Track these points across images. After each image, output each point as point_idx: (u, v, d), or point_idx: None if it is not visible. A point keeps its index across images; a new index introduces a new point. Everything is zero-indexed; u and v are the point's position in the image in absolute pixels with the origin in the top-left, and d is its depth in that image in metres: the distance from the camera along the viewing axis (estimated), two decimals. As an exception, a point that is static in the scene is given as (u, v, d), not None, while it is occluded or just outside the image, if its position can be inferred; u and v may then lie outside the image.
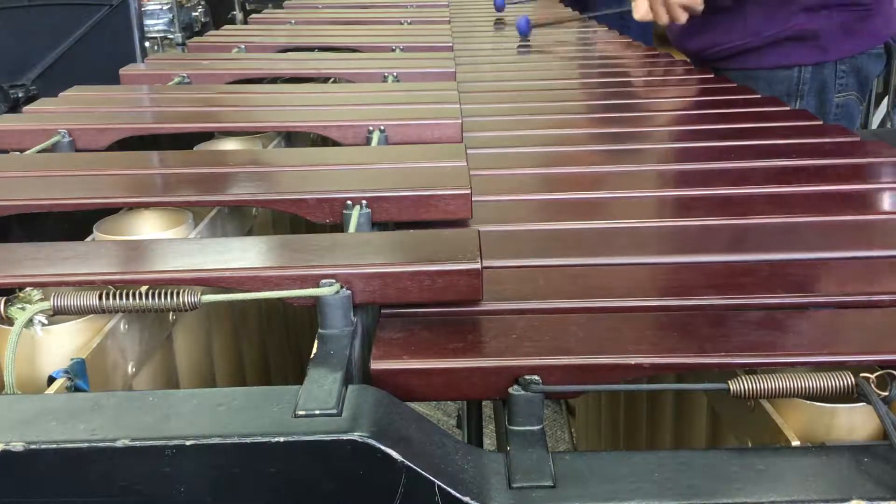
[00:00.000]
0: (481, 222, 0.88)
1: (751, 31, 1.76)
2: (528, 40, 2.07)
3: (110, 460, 0.50)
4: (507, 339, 0.65)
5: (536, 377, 0.60)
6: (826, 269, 0.79)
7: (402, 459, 0.50)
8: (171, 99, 1.36)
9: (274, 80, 1.62)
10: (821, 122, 1.31)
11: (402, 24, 2.19)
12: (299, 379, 0.57)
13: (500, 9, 2.51)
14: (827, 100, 1.77)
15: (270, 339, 1.11)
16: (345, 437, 0.50)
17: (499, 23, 2.36)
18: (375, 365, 0.62)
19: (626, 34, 2.22)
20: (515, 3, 2.58)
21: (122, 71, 1.54)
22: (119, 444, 0.50)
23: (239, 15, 5.48)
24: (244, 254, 0.71)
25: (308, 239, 0.74)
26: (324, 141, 1.22)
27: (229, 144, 1.22)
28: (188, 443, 0.50)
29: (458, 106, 1.23)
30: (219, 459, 0.50)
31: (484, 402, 1.97)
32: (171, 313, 0.78)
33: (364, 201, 0.85)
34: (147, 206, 0.89)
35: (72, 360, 0.62)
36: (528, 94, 1.56)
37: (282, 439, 0.50)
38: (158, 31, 4.96)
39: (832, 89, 1.77)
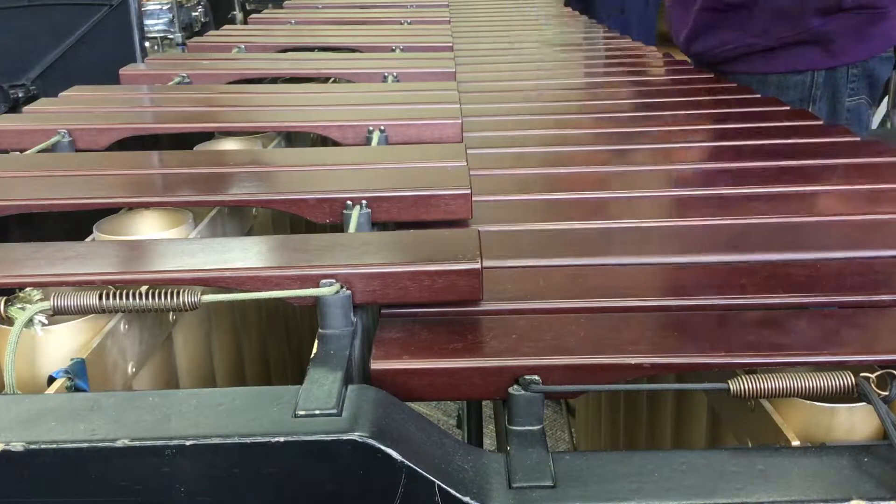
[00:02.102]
0: (481, 222, 0.88)
1: (762, 32, 1.73)
2: (523, 41, 2.00)
3: (110, 460, 0.50)
4: (507, 339, 0.65)
5: (536, 377, 0.60)
6: (826, 269, 0.79)
7: (402, 459, 0.50)
8: (171, 99, 1.36)
9: (274, 80, 1.62)
10: (821, 122, 1.31)
11: (402, 24, 2.19)
12: (299, 379, 0.57)
13: None
14: (839, 104, 1.74)
15: (270, 339, 1.11)
16: (345, 437, 0.50)
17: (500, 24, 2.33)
18: (375, 365, 0.62)
19: (627, 34, 2.22)
20: None
21: (122, 71, 1.54)
22: (119, 444, 0.50)
23: (239, 15, 5.48)
24: (244, 254, 0.71)
25: (308, 239, 0.74)
26: (324, 141, 1.22)
27: (229, 144, 1.21)
28: (188, 443, 0.50)
29: (458, 106, 1.23)
30: (219, 459, 0.50)
31: (484, 402, 1.97)
32: (171, 313, 0.78)
33: (364, 201, 0.85)
34: (147, 206, 0.89)
35: (72, 360, 0.62)
36: (528, 94, 1.56)
37: (282, 439, 0.50)
38: (158, 31, 4.96)
39: (844, 94, 1.74)
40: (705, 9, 1.80)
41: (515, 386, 0.60)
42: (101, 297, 0.64)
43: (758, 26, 1.73)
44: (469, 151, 1.02)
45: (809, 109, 1.73)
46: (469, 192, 0.87)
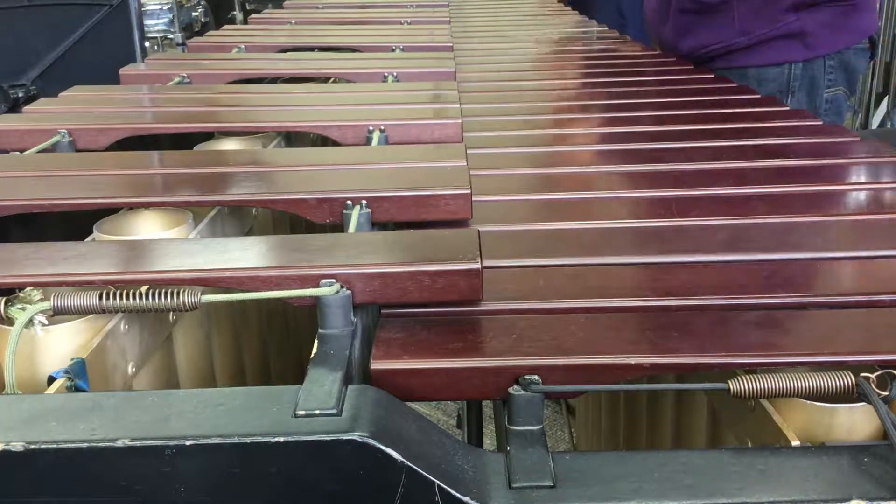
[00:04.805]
0: (481, 222, 0.88)
1: (740, 31, 1.77)
2: (524, 41, 1.98)
3: (110, 460, 0.50)
4: (507, 339, 0.65)
5: (536, 377, 0.60)
6: (826, 269, 0.79)
7: (402, 459, 0.50)
8: (171, 99, 1.36)
9: (274, 80, 1.62)
10: (820, 122, 1.31)
11: (402, 24, 2.19)
12: (299, 379, 0.57)
13: None
14: (817, 95, 1.79)
15: (270, 339, 1.11)
16: (345, 437, 0.50)
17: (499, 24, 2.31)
18: (375, 365, 0.62)
19: (625, 34, 2.22)
20: None
21: (122, 71, 1.54)
22: (119, 444, 0.50)
23: (239, 15, 5.48)
24: (244, 254, 0.71)
25: (308, 239, 0.74)
26: (324, 141, 1.22)
27: (229, 144, 1.22)
28: (188, 443, 0.50)
29: (458, 106, 1.23)
30: (219, 459, 0.50)
31: (484, 402, 1.97)
32: (171, 313, 0.78)
33: (364, 201, 0.85)
34: (147, 206, 0.89)
35: (72, 360, 0.62)
36: (528, 94, 1.56)
37: (282, 439, 0.50)
38: (158, 31, 4.96)
39: (822, 85, 1.79)
40: (682, 11, 1.83)
41: (515, 386, 0.60)
42: (101, 297, 0.64)
43: (735, 25, 1.77)
44: (469, 151, 1.02)
45: (788, 101, 1.77)
46: (469, 192, 0.87)
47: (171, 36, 4.99)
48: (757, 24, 1.75)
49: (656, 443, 0.93)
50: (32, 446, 0.50)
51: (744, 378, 0.59)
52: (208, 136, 1.23)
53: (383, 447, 0.50)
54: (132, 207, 0.90)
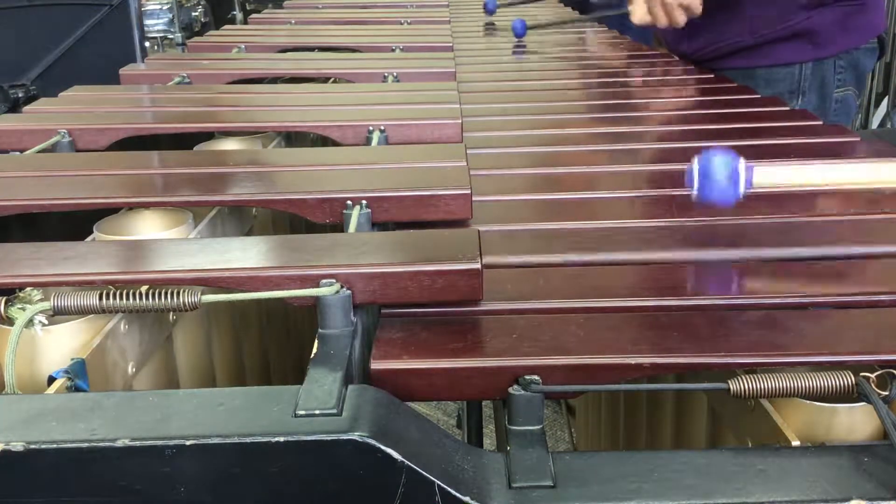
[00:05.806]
0: (481, 222, 0.88)
1: (749, 30, 1.76)
2: (523, 42, 2.05)
3: (110, 460, 0.50)
4: (507, 339, 0.65)
5: (536, 377, 0.60)
6: (826, 268, 0.79)
7: (402, 459, 0.50)
8: (171, 99, 1.36)
9: (274, 80, 1.62)
10: (821, 122, 1.31)
11: (402, 24, 2.19)
12: (299, 379, 0.57)
13: (490, 12, 2.40)
14: (827, 95, 1.78)
15: (270, 339, 1.11)
16: (345, 437, 0.50)
17: (489, 25, 2.33)
18: (375, 365, 0.62)
19: (625, 34, 2.22)
20: (510, 4, 2.52)
21: (122, 71, 1.54)
22: (119, 444, 0.50)
23: (239, 15, 5.49)
24: (244, 254, 0.71)
25: (308, 239, 0.74)
26: (324, 141, 1.22)
27: (229, 144, 1.22)
28: (188, 443, 0.50)
29: (458, 106, 1.23)
30: (219, 459, 0.50)
31: (484, 402, 1.97)
32: (171, 313, 0.78)
33: (364, 201, 0.85)
34: (147, 206, 0.89)
35: (72, 360, 0.62)
36: (528, 94, 1.56)
37: (282, 439, 0.50)
38: (158, 31, 4.97)
39: (832, 85, 1.77)
40: None
41: (515, 386, 0.60)
42: (101, 297, 0.64)
43: (744, 23, 1.76)
44: (469, 151, 1.02)
45: (798, 101, 1.76)
46: (469, 192, 0.87)
47: (171, 36, 5.00)
48: (766, 23, 1.74)
49: (656, 443, 0.93)
50: (32, 446, 0.50)
51: (744, 378, 0.59)
52: (208, 136, 1.23)
53: (383, 447, 0.50)
54: (132, 207, 0.90)
